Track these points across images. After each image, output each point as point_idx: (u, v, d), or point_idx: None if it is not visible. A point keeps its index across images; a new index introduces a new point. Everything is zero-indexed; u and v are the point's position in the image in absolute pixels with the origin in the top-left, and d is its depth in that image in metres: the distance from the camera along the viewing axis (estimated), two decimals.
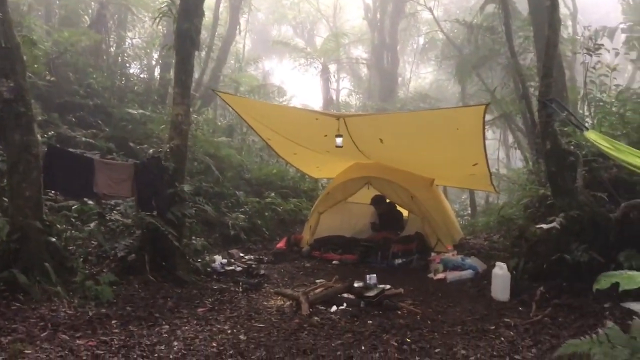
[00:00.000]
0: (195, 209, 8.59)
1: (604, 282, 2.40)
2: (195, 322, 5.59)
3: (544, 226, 6.46)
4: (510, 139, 18.64)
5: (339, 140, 7.73)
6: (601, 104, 8.99)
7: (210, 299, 6.54)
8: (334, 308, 6.20)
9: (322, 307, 6.24)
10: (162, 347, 4.75)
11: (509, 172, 17.36)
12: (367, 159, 9.66)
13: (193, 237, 7.76)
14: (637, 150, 5.23)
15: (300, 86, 39.45)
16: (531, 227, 7.09)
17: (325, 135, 8.03)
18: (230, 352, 4.72)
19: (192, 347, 4.79)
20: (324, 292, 6.61)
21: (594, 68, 9.12)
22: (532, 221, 7.48)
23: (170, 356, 4.56)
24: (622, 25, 12.87)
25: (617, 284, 2.67)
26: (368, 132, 8.23)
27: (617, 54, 10.32)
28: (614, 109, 7.98)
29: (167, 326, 5.36)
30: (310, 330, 5.41)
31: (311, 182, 14.14)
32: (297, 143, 9.15)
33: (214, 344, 4.89)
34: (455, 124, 7.25)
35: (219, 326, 5.49)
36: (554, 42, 6.71)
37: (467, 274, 7.88)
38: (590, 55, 9.10)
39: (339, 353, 4.74)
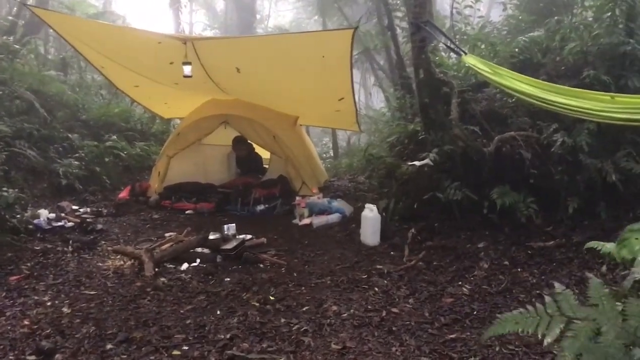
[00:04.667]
0: (10, 153, 6.98)
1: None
2: (4, 294, 4.48)
3: (417, 163, 5.97)
4: (371, 80, 18.45)
5: (187, 69, 6.54)
6: (465, 37, 8.69)
7: (28, 264, 5.37)
8: (184, 266, 5.37)
9: (171, 266, 5.38)
10: None
11: (370, 112, 17.11)
12: (224, 94, 8.54)
13: (4, 189, 6.26)
14: (519, 75, 4.79)
15: (148, 19, 36.31)
16: (401, 165, 6.58)
17: (171, 63, 6.80)
18: (47, 330, 3.75)
19: None
20: (173, 248, 5.72)
21: None
22: (401, 159, 7.01)
23: None
24: None
25: None
26: (223, 60, 7.10)
27: None
28: (481, 39, 7.66)
29: None
30: (154, 294, 4.57)
31: (162, 123, 12.66)
32: (137, 72, 7.74)
33: (26, 322, 3.87)
34: (321, 51, 6.42)
35: (36, 297, 4.43)
36: None
37: (334, 217, 7.31)
38: None
39: (188, 322, 3.97)
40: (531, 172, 5.69)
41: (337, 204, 7.68)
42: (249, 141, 9.22)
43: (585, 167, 5.47)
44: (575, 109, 4.07)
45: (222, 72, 7.44)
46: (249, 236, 6.23)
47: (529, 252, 5.23)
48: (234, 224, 6.26)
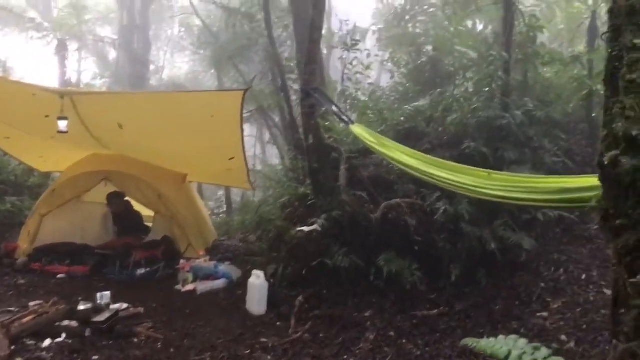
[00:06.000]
0: None
1: None
2: None
3: (305, 229, 5.88)
4: (267, 135, 18.47)
5: (62, 125, 6.07)
6: (356, 101, 8.93)
7: None
8: (47, 342, 4.74)
9: (32, 342, 4.73)
10: None
11: (266, 168, 17.06)
12: (105, 149, 8.05)
13: None
14: (405, 147, 4.88)
15: (32, 64, 33.95)
16: (291, 229, 6.46)
17: (47, 116, 6.30)
18: None
19: None
20: (35, 321, 5.05)
21: (350, 64, 9.04)
22: (291, 222, 6.90)
23: None
24: (373, 28, 13.46)
25: None
26: (104, 115, 6.69)
27: (368, 55, 10.48)
28: (370, 106, 7.88)
29: None
30: None
31: (40, 176, 11.68)
32: (8, 124, 7.11)
33: None
34: (211, 111, 6.25)
35: None
36: (318, 25, 6.15)
37: (220, 283, 6.95)
38: (349, 52, 9.00)
39: None
40: (416, 239, 5.78)
41: (224, 268, 7.34)
42: (126, 198, 8.68)
43: (467, 235, 5.65)
44: (455, 183, 4.17)
45: (104, 127, 7.03)
46: (124, 305, 5.73)
47: (414, 321, 5.22)
48: (108, 292, 5.74)
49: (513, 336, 2.20)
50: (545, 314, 4.87)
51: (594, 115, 7.26)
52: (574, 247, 5.90)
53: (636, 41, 1.98)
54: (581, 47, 8.83)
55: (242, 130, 6.78)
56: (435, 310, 5.34)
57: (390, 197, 6.19)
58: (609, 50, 2.14)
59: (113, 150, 8.13)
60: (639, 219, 1.68)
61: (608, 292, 4.50)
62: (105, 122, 6.81)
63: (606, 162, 2.02)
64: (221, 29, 15.08)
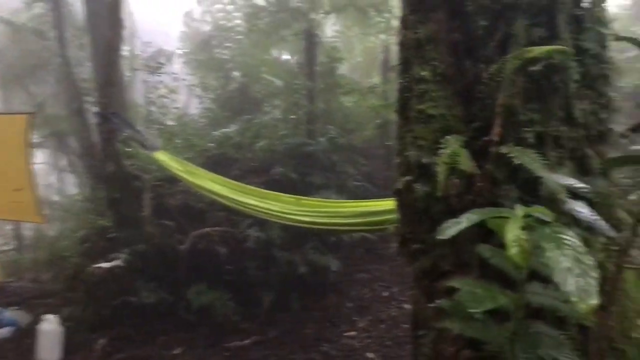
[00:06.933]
0: None
1: None
2: None
3: (105, 265, 5.39)
4: (64, 162, 16.89)
5: None
6: (162, 126, 8.56)
7: None
8: None
9: None
10: None
11: (63, 199, 15.53)
12: None
13: None
14: (213, 174, 4.74)
15: None
16: (89, 266, 5.87)
17: None
18: None
19: None
20: None
21: (155, 88, 8.68)
22: (90, 258, 6.28)
23: None
24: (178, 51, 13.06)
25: None
26: None
27: (175, 79, 10.18)
28: (178, 132, 7.59)
29: None
30: None
31: None
32: None
33: None
34: None
35: None
36: (115, 46, 5.76)
37: (4, 332, 6.05)
38: (152, 75, 8.62)
39: None
40: (227, 268, 5.65)
41: (10, 314, 6.41)
42: None
43: (278, 260, 5.67)
44: (265, 210, 4.14)
45: None
46: None
47: (226, 353, 5.06)
48: None
49: None
50: (353, 333, 5.04)
51: (388, 143, 7.78)
52: (376, 266, 6.25)
53: (423, 73, 2.09)
54: (377, 78, 9.52)
55: (30, 158, 6.05)
56: (248, 340, 5.23)
57: (201, 226, 5.97)
58: (400, 82, 2.24)
59: None
60: (433, 243, 1.74)
61: (408, 306, 4.82)
62: None
63: (401, 188, 2.10)
64: (6, 45, 13.48)
